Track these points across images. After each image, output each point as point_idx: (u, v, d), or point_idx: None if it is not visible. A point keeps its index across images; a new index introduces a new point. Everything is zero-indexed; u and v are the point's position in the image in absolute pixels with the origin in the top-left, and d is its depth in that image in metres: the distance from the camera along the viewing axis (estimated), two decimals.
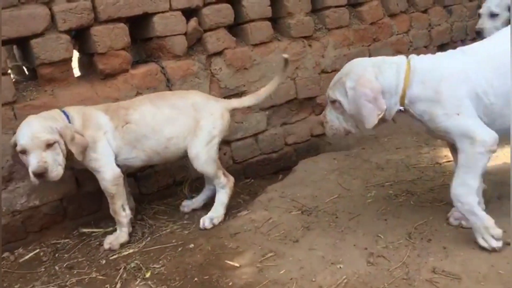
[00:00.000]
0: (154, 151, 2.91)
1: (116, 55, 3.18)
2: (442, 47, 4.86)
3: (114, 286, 2.46)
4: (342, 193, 3.08)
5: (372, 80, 2.30)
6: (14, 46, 3.77)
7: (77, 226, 3.13)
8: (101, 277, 2.57)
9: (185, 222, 3.09)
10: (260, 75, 3.78)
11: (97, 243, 2.93)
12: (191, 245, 2.75)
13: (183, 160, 3.23)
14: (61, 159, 2.61)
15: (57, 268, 2.73)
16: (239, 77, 3.68)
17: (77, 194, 3.14)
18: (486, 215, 2.25)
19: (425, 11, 4.81)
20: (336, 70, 3.11)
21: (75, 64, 3.36)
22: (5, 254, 2.89)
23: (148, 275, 2.51)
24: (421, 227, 2.51)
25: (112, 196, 2.82)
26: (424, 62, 2.35)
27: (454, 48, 2.48)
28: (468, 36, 5.12)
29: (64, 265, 2.74)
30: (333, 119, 2.47)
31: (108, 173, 2.78)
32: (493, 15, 3.96)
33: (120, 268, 2.60)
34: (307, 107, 4.08)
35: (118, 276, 2.54)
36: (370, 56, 4.27)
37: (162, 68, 3.36)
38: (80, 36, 3.23)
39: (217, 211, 2.99)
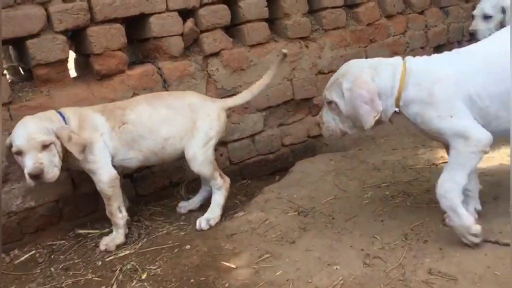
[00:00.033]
0: (151, 152, 2.90)
1: (112, 56, 3.17)
2: (438, 48, 4.87)
3: None
4: (339, 194, 3.08)
5: (368, 81, 2.31)
6: (10, 47, 3.76)
7: (73, 227, 3.12)
8: (97, 278, 2.56)
9: (181, 223, 3.08)
10: (257, 76, 3.75)
11: (93, 244, 2.92)
12: (188, 246, 2.74)
13: (179, 161, 3.22)
14: (57, 160, 2.59)
15: (52, 269, 2.72)
16: (236, 78, 3.67)
17: (73, 195, 3.13)
18: (467, 213, 2.26)
19: (421, 12, 4.82)
20: (333, 71, 3.11)
21: (71, 65, 3.35)
22: None
23: (144, 276, 2.51)
24: (418, 228, 2.51)
25: (109, 198, 2.81)
26: (419, 64, 2.36)
27: (451, 49, 2.49)
28: (465, 37, 5.12)
29: (60, 267, 2.73)
30: (329, 120, 2.47)
31: (105, 175, 2.77)
32: (486, 17, 3.97)
33: (116, 270, 2.59)
34: (303, 108, 4.09)
35: (114, 278, 2.53)
36: (366, 57, 4.28)
37: (159, 69, 3.36)
38: (76, 37, 3.22)
39: (214, 212, 2.99)
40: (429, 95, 2.27)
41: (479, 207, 2.50)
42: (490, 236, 2.33)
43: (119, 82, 3.22)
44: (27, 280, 2.65)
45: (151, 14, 3.30)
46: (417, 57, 2.43)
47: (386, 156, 3.56)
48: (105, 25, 3.13)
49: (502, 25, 3.88)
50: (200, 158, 2.94)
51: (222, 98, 3.39)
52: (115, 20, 3.17)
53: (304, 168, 3.54)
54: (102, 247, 2.82)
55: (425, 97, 2.28)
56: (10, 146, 2.58)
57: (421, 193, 2.91)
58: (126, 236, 2.89)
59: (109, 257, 2.74)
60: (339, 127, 2.47)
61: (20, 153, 2.53)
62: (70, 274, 2.65)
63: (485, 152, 2.26)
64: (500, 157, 3.19)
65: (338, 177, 3.32)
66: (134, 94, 3.22)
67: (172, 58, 3.42)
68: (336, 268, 2.31)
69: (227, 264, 2.50)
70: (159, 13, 3.33)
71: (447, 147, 2.52)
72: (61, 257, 2.84)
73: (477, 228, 2.25)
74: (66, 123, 2.71)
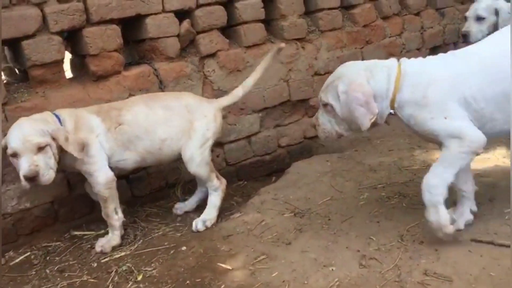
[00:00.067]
0: (148, 153, 2.89)
1: (108, 57, 3.17)
2: (434, 50, 4.88)
3: None
4: (335, 195, 3.08)
5: (364, 84, 2.31)
6: (5, 47, 3.74)
7: (68, 229, 3.11)
8: (92, 280, 2.56)
9: (177, 224, 3.07)
10: None
11: (89, 246, 2.91)
12: (184, 248, 2.74)
13: (176, 162, 3.22)
14: (52, 162, 2.57)
15: (48, 271, 2.71)
16: (232, 79, 3.67)
17: (69, 196, 3.12)
18: (446, 212, 2.29)
19: (417, 14, 4.83)
20: (329, 72, 3.11)
21: (67, 65, 3.34)
22: None
23: (139, 278, 2.50)
24: (413, 229, 2.52)
25: (105, 199, 2.80)
26: (414, 66, 2.36)
27: (447, 50, 2.49)
28: (460, 38, 5.14)
29: (55, 268, 2.72)
30: (325, 122, 2.48)
31: (101, 177, 2.76)
32: (479, 19, 3.98)
33: (112, 271, 2.58)
34: (300, 109, 4.09)
35: (110, 279, 2.52)
36: (363, 58, 4.29)
37: (155, 70, 3.35)
38: (72, 38, 3.22)
39: (210, 214, 2.98)
40: (423, 97, 2.27)
41: (474, 208, 2.51)
42: (486, 237, 2.34)
43: (115, 83, 3.21)
44: (22, 282, 2.64)
45: (147, 15, 3.30)
46: (412, 59, 2.43)
47: (382, 157, 3.56)
48: (101, 26, 3.13)
49: (495, 27, 3.89)
50: (198, 159, 2.93)
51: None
52: (111, 21, 3.17)
53: (300, 169, 3.54)
54: (97, 248, 2.81)
55: (419, 99, 2.28)
56: (5, 148, 2.56)
57: (417, 194, 2.90)
58: (122, 237, 2.88)
59: (104, 258, 2.73)
60: (335, 129, 2.47)
61: (15, 155, 2.51)
62: (66, 275, 2.64)
63: (477, 154, 2.28)
64: (495, 158, 3.20)
65: (334, 178, 3.32)
66: (130, 95, 3.22)
67: (168, 59, 3.42)
68: (332, 269, 2.31)
69: (223, 265, 2.50)
70: (155, 14, 3.32)
71: None
72: (57, 258, 2.83)
73: (450, 229, 2.29)
74: (61, 125, 2.69)
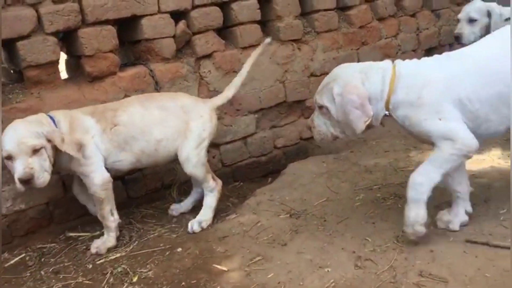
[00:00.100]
0: (144, 153, 2.88)
1: (104, 58, 3.16)
2: (430, 51, 4.89)
3: None
4: (331, 197, 3.08)
5: (359, 86, 2.32)
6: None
7: (63, 230, 3.10)
8: (87, 281, 2.55)
9: (173, 225, 3.07)
10: (249, 78, 3.74)
11: (84, 247, 2.90)
12: (179, 249, 2.73)
13: (171, 164, 3.21)
14: (47, 165, 2.55)
15: (43, 272, 2.70)
16: (228, 80, 3.64)
17: (64, 197, 3.11)
18: (425, 212, 2.31)
19: (413, 15, 4.84)
20: (325, 73, 3.11)
21: (62, 66, 3.33)
22: None
23: (135, 279, 2.49)
24: None
25: (102, 201, 2.78)
26: (408, 67, 2.37)
27: (442, 52, 2.50)
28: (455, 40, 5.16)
29: (50, 270, 2.71)
30: (320, 124, 2.48)
31: (98, 178, 2.75)
32: (472, 21, 4.01)
33: (107, 273, 2.58)
34: (296, 110, 4.09)
35: (105, 281, 2.51)
36: (358, 59, 4.29)
37: (151, 70, 3.34)
38: (67, 38, 3.20)
39: (206, 215, 2.98)
40: (418, 98, 2.28)
41: (469, 209, 2.52)
42: (481, 238, 2.35)
43: (110, 84, 3.21)
44: (17, 284, 2.62)
45: (143, 16, 3.29)
46: (407, 60, 2.44)
47: (378, 159, 3.57)
48: (96, 26, 3.12)
49: (487, 28, 3.92)
50: (194, 160, 2.93)
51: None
52: (106, 22, 3.16)
53: (296, 170, 3.54)
54: (93, 250, 2.80)
55: (414, 100, 2.29)
56: None
57: None
58: (117, 238, 2.87)
59: (100, 260, 2.72)
60: (330, 131, 2.47)
61: (10, 158, 2.48)
62: (61, 277, 2.63)
63: (468, 157, 2.30)
64: (490, 160, 3.22)
65: (330, 179, 3.32)
66: (126, 96, 3.20)
67: (164, 60, 3.41)
68: (328, 271, 2.31)
69: (218, 267, 2.49)
70: (151, 15, 3.32)
71: None
72: (52, 260, 2.82)
73: (422, 229, 2.32)
74: (56, 126, 2.67)
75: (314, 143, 4.07)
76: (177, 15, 3.46)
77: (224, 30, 3.73)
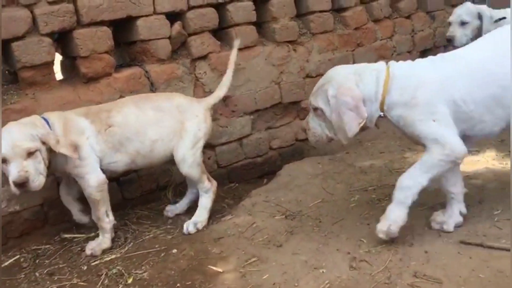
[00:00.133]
0: (139, 154, 2.88)
1: (99, 59, 3.15)
2: (425, 53, 4.91)
3: None
4: (326, 198, 3.09)
5: (353, 88, 2.33)
6: None
7: (58, 231, 3.09)
8: (82, 283, 2.54)
9: (168, 227, 3.06)
10: (244, 79, 3.78)
11: (79, 249, 2.89)
12: (174, 250, 2.73)
13: (167, 164, 3.21)
14: (42, 167, 2.53)
15: (37, 274, 2.68)
16: None
17: (59, 199, 3.08)
18: (405, 216, 2.36)
19: (408, 17, 4.87)
20: (320, 75, 3.11)
21: (57, 67, 3.32)
22: None
23: (130, 281, 2.49)
24: (403, 231, 2.51)
25: (97, 202, 2.77)
26: (402, 69, 2.38)
27: (437, 53, 2.51)
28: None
29: (45, 272, 2.70)
30: (315, 126, 2.49)
31: (93, 180, 2.74)
32: (463, 23, 4.04)
33: (102, 274, 2.57)
34: (291, 111, 4.09)
35: (100, 282, 2.51)
36: (354, 61, 4.31)
37: (146, 72, 3.34)
38: (62, 39, 3.20)
39: (201, 216, 2.98)
40: (412, 98, 2.30)
41: (464, 210, 2.53)
42: (475, 239, 2.36)
43: (106, 85, 3.20)
44: (11, 285, 2.61)
45: (139, 17, 3.29)
46: (401, 62, 2.45)
47: (373, 160, 3.58)
48: (91, 27, 3.12)
49: (478, 31, 3.95)
50: (190, 160, 2.93)
51: None
52: (101, 23, 3.15)
53: (292, 172, 3.55)
54: (88, 251, 2.79)
55: (408, 100, 2.30)
56: None
57: None
58: (113, 240, 2.87)
59: (94, 261, 2.71)
60: (325, 133, 2.48)
61: (4, 161, 2.46)
62: (55, 279, 2.62)
63: (456, 164, 2.33)
64: (485, 161, 3.23)
65: (326, 181, 3.33)
66: (121, 97, 3.20)
67: (159, 61, 3.41)
68: (323, 272, 2.31)
69: (214, 268, 2.49)
70: (147, 16, 3.32)
71: None
72: (46, 261, 2.81)
73: (395, 231, 2.37)
74: (50, 128, 2.65)
75: (310, 144, 4.07)
76: (173, 16, 3.46)
77: (220, 31, 3.73)
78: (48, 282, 2.59)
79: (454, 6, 5.20)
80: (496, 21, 3.87)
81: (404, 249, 2.38)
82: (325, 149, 3.97)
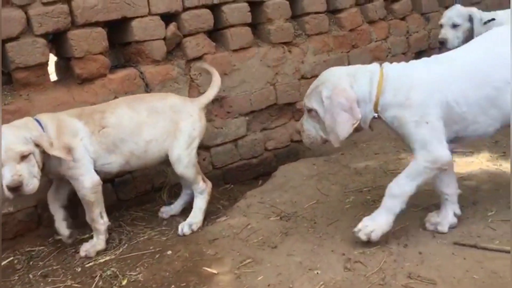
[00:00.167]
0: (133, 155, 2.87)
1: (93, 60, 3.15)
2: (420, 54, 4.93)
3: None
4: (321, 199, 3.09)
5: (347, 89, 2.33)
6: None
7: (52, 233, 3.07)
8: (76, 285, 2.53)
9: (163, 228, 3.06)
10: (240, 80, 3.78)
11: (73, 250, 2.88)
12: (169, 252, 2.72)
13: (161, 166, 3.20)
14: (36, 171, 2.50)
15: (31, 276, 2.67)
16: None
17: None
18: (390, 223, 2.38)
19: (403, 18, 4.88)
20: (315, 76, 3.11)
21: (51, 68, 3.31)
22: None
23: (124, 282, 2.48)
24: (398, 232, 2.53)
25: (91, 204, 2.76)
26: (396, 70, 2.40)
27: (431, 55, 2.52)
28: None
29: (39, 273, 2.68)
30: (309, 128, 2.49)
31: (87, 181, 2.73)
32: (455, 26, 4.07)
33: (96, 276, 2.56)
34: (287, 112, 4.10)
35: (94, 284, 2.49)
36: (349, 62, 4.32)
37: (141, 73, 3.34)
38: (56, 40, 3.19)
39: (196, 217, 2.97)
40: (406, 99, 2.31)
41: (458, 211, 2.54)
42: (469, 240, 2.37)
43: (100, 86, 3.19)
44: (5, 287, 2.60)
45: (133, 18, 3.29)
46: (395, 63, 2.46)
47: (368, 161, 3.59)
48: (86, 28, 3.11)
49: (470, 33, 3.98)
50: (185, 160, 2.92)
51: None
52: (96, 24, 3.15)
53: (287, 173, 3.55)
54: (82, 253, 2.78)
55: (402, 101, 2.31)
56: None
57: None
58: (107, 241, 2.85)
59: (89, 263, 2.70)
60: (320, 135, 2.48)
61: None
62: (49, 280, 2.61)
63: (442, 170, 2.35)
64: (479, 162, 3.24)
65: (321, 182, 3.33)
66: (116, 98, 3.19)
67: (154, 62, 3.40)
68: (317, 273, 2.31)
69: (208, 269, 2.49)
70: (141, 17, 3.31)
71: None
72: (40, 263, 2.80)
73: (378, 236, 2.38)
74: (43, 130, 2.62)
75: (305, 146, 4.09)
76: (168, 17, 3.46)
77: (215, 33, 3.73)
78: (42, 284, 2.58)
79: (448, 8, 5.24)
80: (485, 22, 3.90)
81: (398, 250, 2.39)
82: (320, 150, 3.97)
